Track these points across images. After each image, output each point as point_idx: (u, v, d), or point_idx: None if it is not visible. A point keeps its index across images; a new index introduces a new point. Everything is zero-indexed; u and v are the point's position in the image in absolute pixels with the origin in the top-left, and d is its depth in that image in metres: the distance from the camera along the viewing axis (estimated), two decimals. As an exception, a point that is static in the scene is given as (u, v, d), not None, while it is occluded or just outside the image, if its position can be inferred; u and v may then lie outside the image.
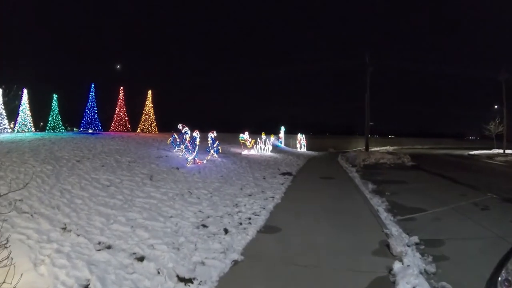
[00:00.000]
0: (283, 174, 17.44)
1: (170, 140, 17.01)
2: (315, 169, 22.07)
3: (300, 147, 40.33)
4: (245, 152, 25.43)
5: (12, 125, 33.88)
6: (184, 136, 17.17)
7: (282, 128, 41.30)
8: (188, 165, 15.82)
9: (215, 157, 19.63)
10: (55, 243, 6.43)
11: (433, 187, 15.16)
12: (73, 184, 10.67)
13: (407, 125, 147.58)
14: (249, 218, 9.05)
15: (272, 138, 30.58)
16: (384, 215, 9.68)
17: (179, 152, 17.01)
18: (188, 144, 16.85)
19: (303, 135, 41.69)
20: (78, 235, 6.96)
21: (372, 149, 38.92)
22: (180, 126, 17.16)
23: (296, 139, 41.53)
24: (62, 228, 7.26)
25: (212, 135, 19.74)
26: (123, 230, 7.53)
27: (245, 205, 10.44)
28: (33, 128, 33.80)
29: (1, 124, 31.50)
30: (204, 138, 19.07)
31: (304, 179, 16.76)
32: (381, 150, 41.53)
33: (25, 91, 33.59)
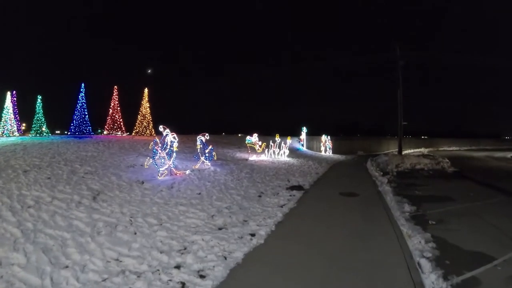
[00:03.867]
0: (291, 188, 13.27)
1: (151, 144, 13.35)
2: (336, 179, 17.51)
3: (325, 150, 35.54)
4: (252, 157, 21.34)
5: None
6: (165, 140, 13.39)
7: (304, 129, 36.60)
8: (159, 178, 12.11)
9: (207, 165, 15.79)
10: None
11: (491, 208, 10.39)
12: None
13: (440, 124, 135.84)
14: (183, 285, 5.27)
15: (289, 140, 26.12)
16: (431, 278, 5.43)
17: (151, 160, 13.21)
18: (159, 151, 13.06)
19: (328, 137, 36.59)
20: None
21: (405, 152, 33.90)
22: (161, 128, 13.41)
23: (320, 141, 36.78)
24: None
25: (202, 138, 16.00)
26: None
27: (198, 250, 6.58)
28: (17, 133, 31.67)
29: None
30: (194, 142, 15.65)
31: (317, 197, 12.33)
32: (415, 153, 36.40)
33: (8, 93, 31.63)
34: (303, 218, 9.19)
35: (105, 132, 36.09)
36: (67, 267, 5.92)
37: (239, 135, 43.58)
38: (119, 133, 35.11)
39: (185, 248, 6.65)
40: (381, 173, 18.26)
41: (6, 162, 13.62)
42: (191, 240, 7.04)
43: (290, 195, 12.01)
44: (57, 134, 35.07)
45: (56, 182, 10.97)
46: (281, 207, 10.26)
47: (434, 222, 8.62)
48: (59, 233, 7.29)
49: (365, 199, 12.00)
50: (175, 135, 13.65)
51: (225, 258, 6.17)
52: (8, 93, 31.58)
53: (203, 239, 7.06)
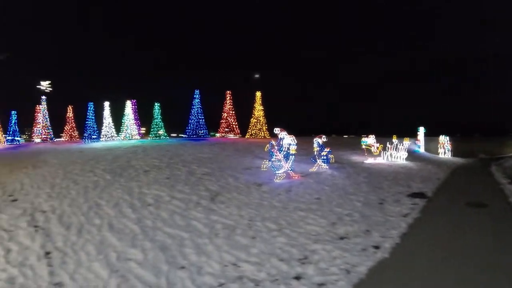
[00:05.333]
0: (413, 195, 12.27)
1: (267, 147, 13.47)
2: (459, 186, 15.62)
3: (444, 153, 32.58)
4: (369, 160, 20.35)
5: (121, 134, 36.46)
6: (281, 143, 13.36)
7: (421, 129, 33.87)
8: (276, 181, 12.07)
9: (324, 168, 15.44)
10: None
11: None
12: (110, 200, 10.15)
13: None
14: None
15: (407, 142, 24.40)
16: None
17: (269, 162, 13.21)
18: (277, 153, 12.99)
19: (447, 138, 33.40)
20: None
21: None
22: (277, 130, 13.42)
23: (438, 142, 33.77)
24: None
25: (319, 140, 15.61)
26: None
27: (319, 261, 6.30)
28: (137, 136, 35.77)
29: (109, 133, 35.07)
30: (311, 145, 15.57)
31: (441, 206, 11.07)
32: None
33: (128, 102, 35.75)
34: (429, 231, 8.31)
35: (217, 135, 37.84)
36: (183, 267, 6.11)
37: (351, 136, 42.32)
38: (231, 135, 36.37)
39: (305, 258, 6.46)
40: (509, 180, 16.08)
41: (127, 163, 15.11)
42: (311, 249, 6.83)
43: (412, 204, 11.09)
44: (173, 137, 37.81)
45: (175, 182, 11.69)
46: (404, 216, 9.48)
47: None
48: (177, 233, 7.66)
49: (496, 211, 10.50)
50: (293, 137, 13.49)
51: (348, 272, 5.82)
52: (128, 102, 35.68)
53: (324, 249, 6.80)
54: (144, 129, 41.12)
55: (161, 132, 35.11)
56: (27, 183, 12.45)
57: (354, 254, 6.59)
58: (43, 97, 38.79)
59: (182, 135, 38.53)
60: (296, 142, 13.51)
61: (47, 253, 7.09)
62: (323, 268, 5.99)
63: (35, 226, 8.52)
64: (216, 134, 39.05)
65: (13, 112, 38.35)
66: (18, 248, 7.40)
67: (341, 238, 7.47)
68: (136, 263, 6.36)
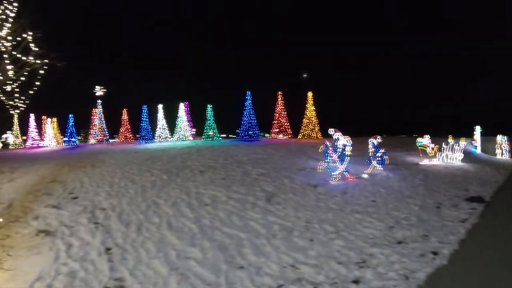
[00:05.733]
0: (471, 199, 11.97)
1: (321, 148, 13.61)
2: None
3: (501, 154, 30.68)
4: (424, 162, 19.83)
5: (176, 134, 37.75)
6: (336, 144, 13.52)
7: (478, 129, 32.08)
8: (332, 182, 12.24)
9: (379, 169, 15.37)
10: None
11: None
12: (168, 199, 10.69)
13: None
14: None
15: (463, 142, 23.44)
16: None
17: (325, 163, 13.34)
18: (332, 154, 13.11)
19: (505, 137, 31.18)
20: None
21: None
22: (331, 131, 13.58)
23: (495, 142, 31.83)
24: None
25: (374, 141, 15.54)
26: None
27: (377, 265, 6.48)
28: (190, 137, 37.08)
29: (163, 134, 36.52)
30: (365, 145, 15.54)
31: (501, 212, 10.73)
32: None
33: (181, 104, 37.08)
34: (489, 238, 8.23)
35: (266, 135, 38.20)
36: (242, 267, 6.38)
37: (402, 136, 41.26)
38: (280, 135, 36.43)
39: (363, 261, 6.62)
40: None
41: (183, 163, 15.77)
42: (369, 252, 7.01)
43: (471, 208, 10.86)
44: (223, 137, 38.51)
45: (230, 182, 12.10)
46: (463, 222, 9.37)
47: None
48: (235, 233, 7.98)
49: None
50: (348, 138, 13.55)
51: (407, 277, 5.98)
52: (181, 104, 37.06)
53: (382, 253, 6.96)
54: (194, 130, 42.41)
55: (212, 133, 35.90)
56: (86, 182, 13.26)
57: (413, 259, 6.71)
58: (99, 101, 41.26)
59: (232, 136, 39.24)
60: (351, 143, 13.55)
61: (108, 249, 7.57)
62: (382, 272, 6.15)
63: (95, 223, 9.11)
64: (267, 135, 39.53)
65: (70, 115, 41.48)
66: (79, 244, 7.95)
67: (399, 243, 7.58)
68: (196, 261, 6.67)
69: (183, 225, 8.51)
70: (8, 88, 12.95)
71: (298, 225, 8.35)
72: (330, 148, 13.36)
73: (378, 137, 15.79)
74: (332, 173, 12.79)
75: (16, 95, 13.24)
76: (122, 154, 20.56)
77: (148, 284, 6.08)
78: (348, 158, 13.40)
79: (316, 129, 36.09)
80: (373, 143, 15.60)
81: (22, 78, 13.01)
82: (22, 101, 13.64)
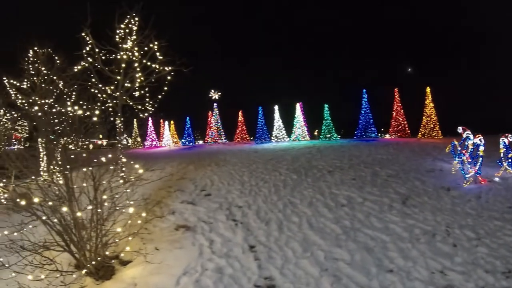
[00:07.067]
0: None
1: (449, 147, 13.21)
2: None
3: None
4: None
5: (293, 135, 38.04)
6: (466, 143, 13.02)
7: None
8: (465, 185, 11.94)
9: (510, 173, 13.75)
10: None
11: None
12: (303, 199, 10.82)
13: None
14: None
15: None
16: None
17: (459, 165, 12.93)
18: (466, 155, 12.71)
19: None
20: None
21: None
22: (460, 129, 13.15)
23: None
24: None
25: (505, 140, 13.98)
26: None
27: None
28: (307, 137, 37.28)
29: (280, 135, 37.49)
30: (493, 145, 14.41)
31: None
32: None
33: (297, 105, 37.48)
34: None
35: (387, 136, 37.11)
36: (391, 271, 6.51)
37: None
38: (398, 135, 34.75)
39: (509, 271, 6.44)
40: None
41: (308, 163, 15.92)
42: (516, 262, 6.76)
43: None
44: (339, 137, 38.01)
45: (362, 183, 12.10)
46: None
47: None
48: (377, 235, 8.07)
49: None
50: (481, 137, 12.70)
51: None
52: (297, 105, 37.61)
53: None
54: (317, 130, 42.94)
55: (329, 134, 35.76)
56: (216, 180, 13.60)
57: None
58: (215, 104, 44.02)
59: (343, 136, 38.85)
60: (484, 142, 12.69)
61: (251, 247, 7.81)
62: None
63: (234, 220, 9.41)
64: (384, 135, 38.54)
65: (187, 118, 44.59)
66: (221, 240, 8.25)
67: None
68: (345, 263, 6.79)
69: (324, 225, 8.69)
70: (137, 93, 14.64)
71: (438, 230, 8.24)
72: (462, 148, 12.84)
73: (510, 135, 13.95)
74: (466, 176, 12.35)
75: (146, 99, 14.97)
76: (242, 154, 21.03)
77: (299, 284, 6.28)
78: (481, 159, 12.58)
79: (437, 127, 33.32)
80: (504, 142, 13.97)
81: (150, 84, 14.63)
82: (151, 105, 15.30)
